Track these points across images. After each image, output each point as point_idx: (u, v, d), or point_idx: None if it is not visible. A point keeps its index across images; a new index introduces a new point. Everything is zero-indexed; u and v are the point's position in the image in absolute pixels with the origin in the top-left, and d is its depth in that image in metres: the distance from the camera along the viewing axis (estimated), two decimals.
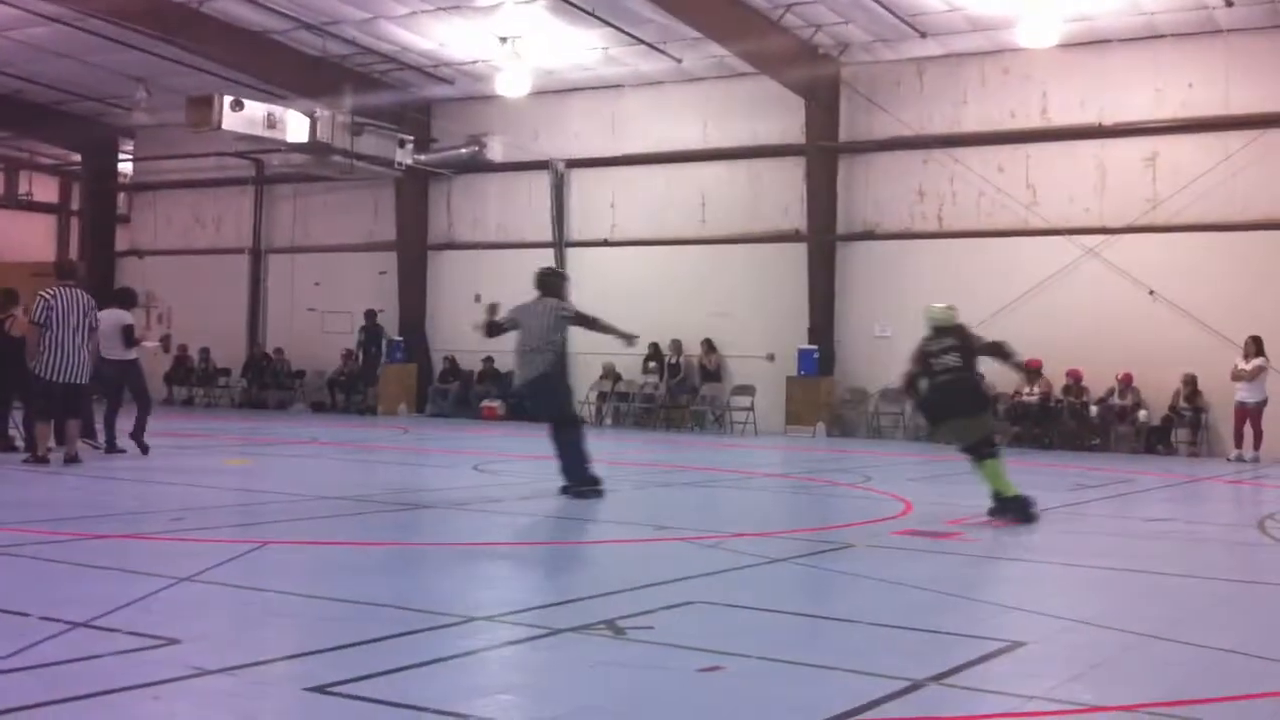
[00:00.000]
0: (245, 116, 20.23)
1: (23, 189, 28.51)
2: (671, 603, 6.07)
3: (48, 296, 11.99)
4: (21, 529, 7.94)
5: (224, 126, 19.97)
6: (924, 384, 10.02)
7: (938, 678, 4.76)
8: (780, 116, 21.29)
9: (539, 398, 10.77)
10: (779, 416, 21.11)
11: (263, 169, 26.22)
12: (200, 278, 26.56)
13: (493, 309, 10.82)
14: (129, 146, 27.82)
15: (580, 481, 10.44)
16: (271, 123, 20.80)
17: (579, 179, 23.38)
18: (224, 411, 24.87)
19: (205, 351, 26.23)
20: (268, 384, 25.85)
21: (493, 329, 10.77)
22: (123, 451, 13.34)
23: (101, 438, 13.64)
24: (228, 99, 19.83)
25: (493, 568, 7.58)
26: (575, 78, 22.53)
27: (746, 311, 21.64)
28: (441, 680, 4.66)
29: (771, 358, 21.43)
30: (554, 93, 22.82)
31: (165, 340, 24.70)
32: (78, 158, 27.77)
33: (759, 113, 21.55)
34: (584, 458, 10.51)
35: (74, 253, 28.08)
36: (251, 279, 26.67)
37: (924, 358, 9.95)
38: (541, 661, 5.11)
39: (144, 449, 13.43)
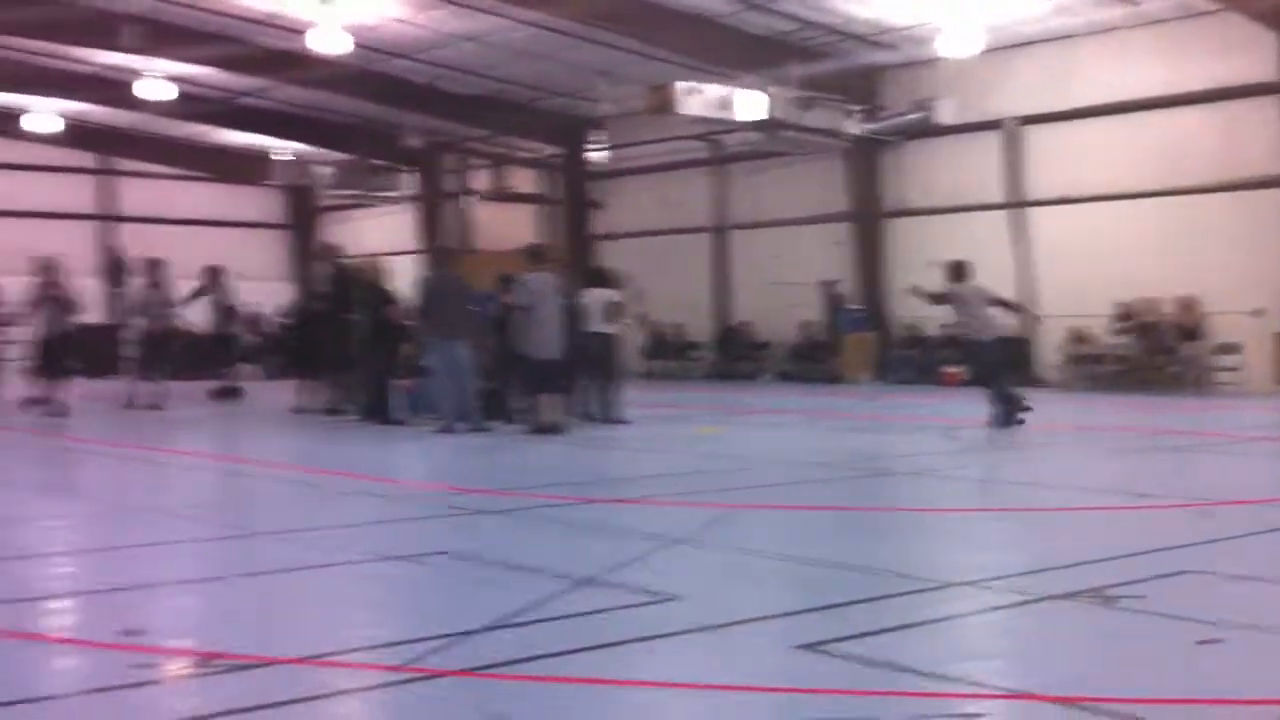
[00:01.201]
0: (700, 100, 20.93)
1: (508, 182, 30.86)
2: (1162, 572, 5.83)
3: (527, 280, 13.04)
4: (526, 493, 8.70)
5: (681, 111, 20.76)
6: None
7: None
8: (1248, 53, 19.61)
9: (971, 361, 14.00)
10: (1268, 375, 19.53)
11: (719, 149, 27.06)
12: (669, 256, 27.76)
13: (918, 289, 13.94)
14: (601, 136, 29.44)
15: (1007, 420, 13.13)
16: (725, 104, 21.41)
17: (1033, 136, 22.55)
18: (695, 382, 25.95)
19: (677, 326, 27.52)
20: (736, 355, 26.75)
21: (935, 299, 13.61)
22: (624, 423, 14.28)
23: (591, 409, 14.65)
24: (684, 84, 20.59)
25: (964, 532, 7.55)
26: (1024, 32, 21.72)
27: (1225, 264, 20.13)
28: (925, 643, 4.73)
29: (1260, 312, 19.83)
30: (1002, 49, 22.08)
31: (642, 317, 26.03)
32: (554, 150, 29.72)
33: (1226, 52, 19.93)
34: (1011, 400, 13.27)
35: (553, 239, 30.07)
36: (715, 255, 27.63)
37: None
38: (1027, 628, 5.07)
39: (618, 419, 14.34)
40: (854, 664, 4.35)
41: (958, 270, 13.77)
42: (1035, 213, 22.31)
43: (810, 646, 4.54)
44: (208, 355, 20.03)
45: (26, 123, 29.30)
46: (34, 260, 16.89)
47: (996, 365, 13.67)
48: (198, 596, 5.75)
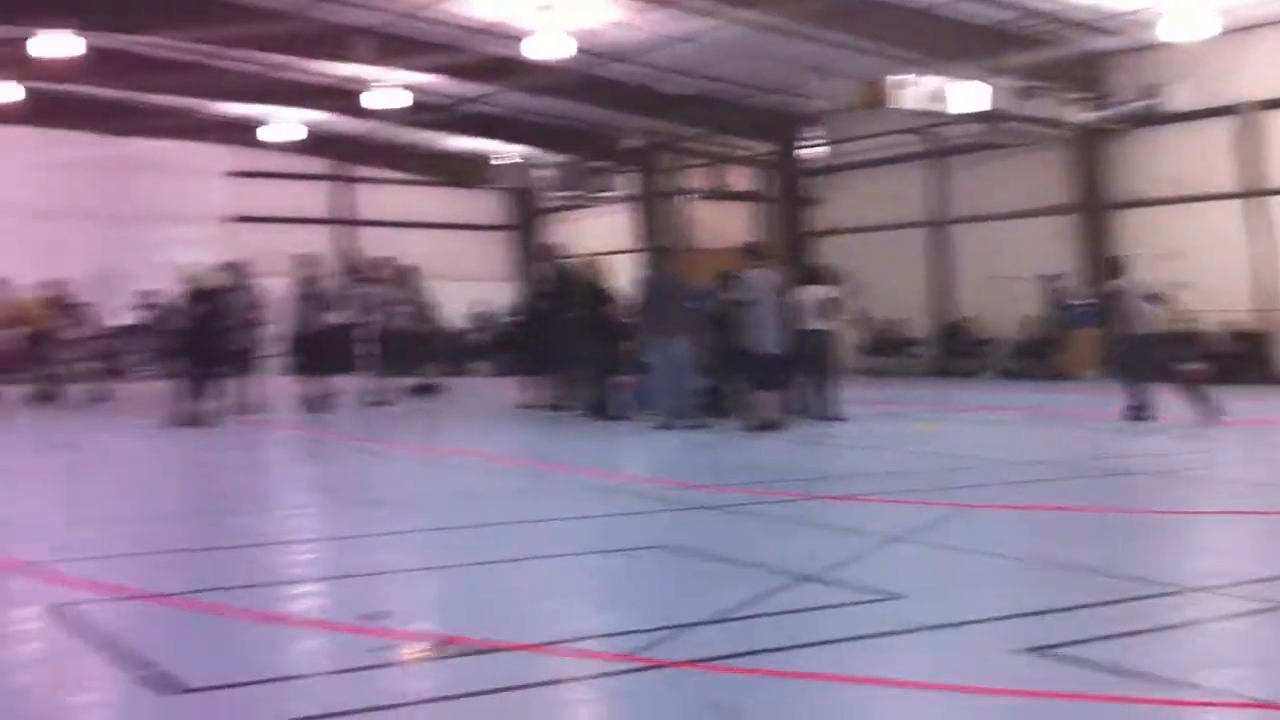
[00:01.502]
0: (915, 92, 20.59)
1: (724, 181, 30.97)
2: None
3: (745, 277, 13.09)
4: (748, 490, 8.73)
5: (895, 105, 20.46)
6: None
7: None
8: None
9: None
10: None
11: (935, 142, 26.58)
12: (887, 252, 27.39)
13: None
14: (816, 132, 29.29)
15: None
16: (939, 96, 21.00)
17: (1273, 121, 21.41)
18: (915, 379, 25.56)
19: (896, 322, 27.17)
20: (957, 351, 26.24)
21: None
22: (841, 420, 14.22)
23: (806, 406, 14.61)
24: (898, 78, 20.30)
25: (1199, 535, 7.26)
26: (1260, 14, 20.63)
27: None
28: (1161, 649, 4.58)
29: None
30: (1235, 31, 21.03)
31: (860, 314, 25.79)
32: (771, 147, 29.68)
33: None
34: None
35: (769, 237, 30.05)
36: (934, 250, 27.16)
37: None
38: (1270, 636, 4.86)
39: (835, 416, 14.26)
40: (1085, 669, 4.25)
41: (1116, 266, 14.24)
42: (1276, 202, 21.19)
43: (1039, 649, 4.45)
44: (408, 353, 20.49)
45: (269, 133, 30.89)
46: (294, 259, 17.58)
47: (1146, 361, 13.62)
48: (432, 583, 5.99)
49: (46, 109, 28.10)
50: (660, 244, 17.79)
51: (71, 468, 11.12)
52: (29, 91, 26.60)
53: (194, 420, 13.92)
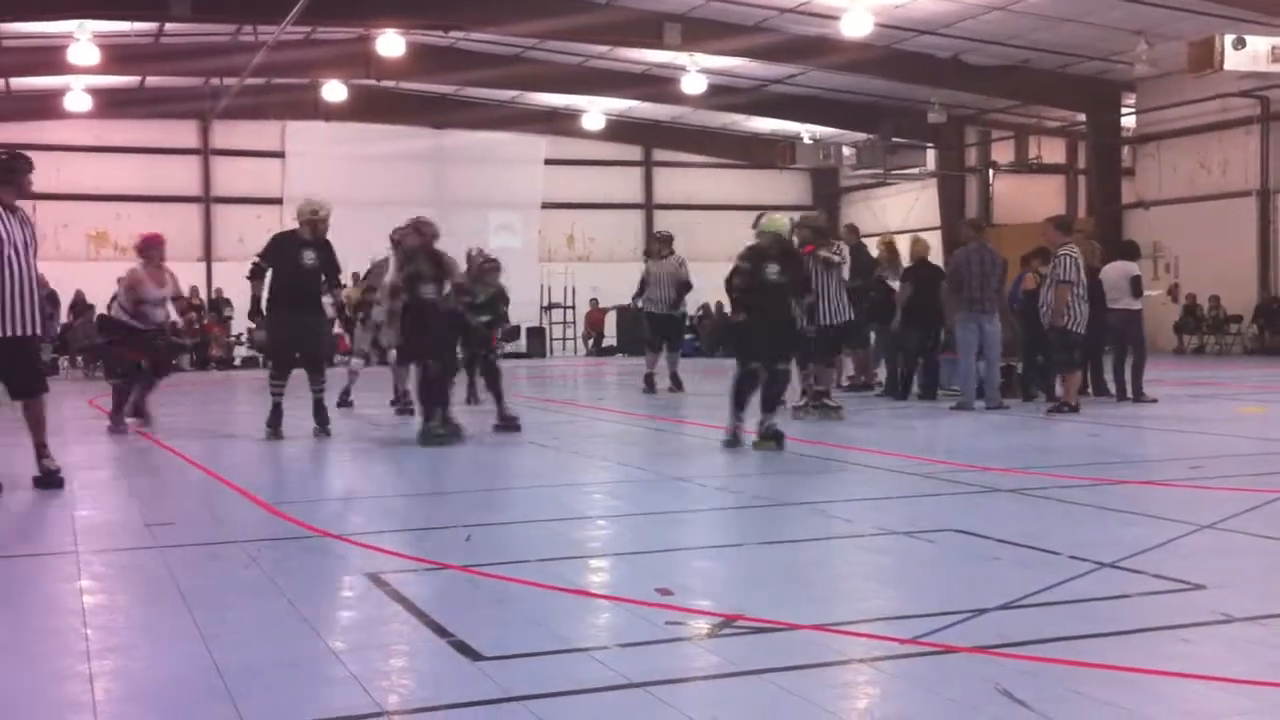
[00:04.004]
0: (1248, 54, 19.32)
1: (1032, 153, 29.97)
2: None
3: (1073, 255, 12.58)
4: (1046, 473, 8.50)
5: (1226, 67, 19.27)
6: None
7: None
8: None
9: None
10: None
11: (1268, 106, 24.87)
12: (1206, 224, 25.93)
13: None
14: (1130, 100, 27.98)
15: None
16: (1276, 55, 19.62)
17: None
18: (1234, 359, 24.09)
19: (1215, 299, 25.65)
20: None
21: None
22: (1151, 401, 13.60)
23: (1112, 388, 14.06)
24: (1229, 38, 19.10)
25: None
26: None
27: None
28: None
29: None
30: None
31: (1173, 290, 24.50)
32: (1082, 117, 28.51)
33: None
34: None
35: (1079, 210, 28.90)
36: (1260, 221, 25.46)
37: None
38: None
39: (1144, 397, 13.62)
40: None
41: None
42: None
43: None
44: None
45: (587, 121, 31.98)
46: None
47: None
48: (721, 561, 6.12)
49: (377, 105, 30.04)
50: (974, 219, 17.22)
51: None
52: (359, 89, 28.48)
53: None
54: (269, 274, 11.35)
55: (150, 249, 12.15)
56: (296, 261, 11.21)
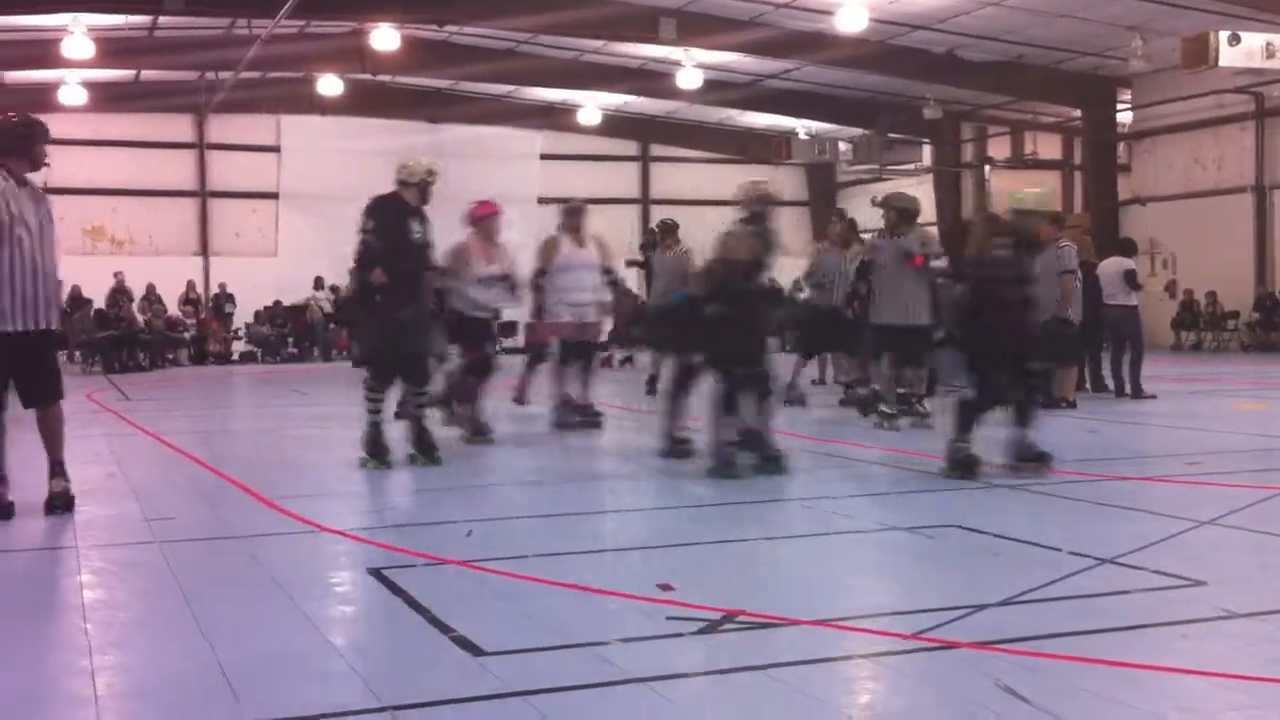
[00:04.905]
0: (1242, 50, 19.34)
1: (1027, 149, 29.98)
2: None
3: (1071, 248, 12.57)
4: (1046, 469, 8.47)
5: (1220, 63, 19.28)
6: None
7: None
8: None
9: None
10: None
11: (1262, 103, 24.89)
12: (1201, 220, 25.96)
13: None
14: (1126, 96, 27.99)
15: None
16: (1270, 52, 19.64)
17: None
18: (1231, 355, 24.14)
19: (1212, 295, 25.69)
20: (1277, 325, 24.58)
21: None
22: (1149, 397, 13.59)
23: (1111, 383, 14.08)
24: (1223, 34, 19.12)
25: None
26: None
27: None
28: None
29: None
30: None
31: (1171, 286, 24.51)
32: (1078, 113, 28.51)
33: None
34: None
35: (1074, 206, 28.92)
36: (1256, 218, 25.49)
37: None
38: None
39: (1142, 393, 13.62)
40: None
41: None
42: None
43: None
44: None
45: (581, 116, 31.94)
46: None
47: None
48: (722, 556, 6.11)
49: (372, 99, 29.98)
50: (985, 210, 17.14)
51: None
52: (354, 83, 28.43)
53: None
54: (377, 254, 8.81)
55: (484, 221, 10.55)
56: (407, 236, 8.93)
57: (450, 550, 5.97)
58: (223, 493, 8.16)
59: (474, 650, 4.27)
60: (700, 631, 4.51)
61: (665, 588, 5.10)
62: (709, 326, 8.38)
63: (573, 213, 11.52)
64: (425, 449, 9.02)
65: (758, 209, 9.01)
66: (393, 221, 8.87)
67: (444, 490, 8.21)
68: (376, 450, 8.86)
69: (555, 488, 8.41)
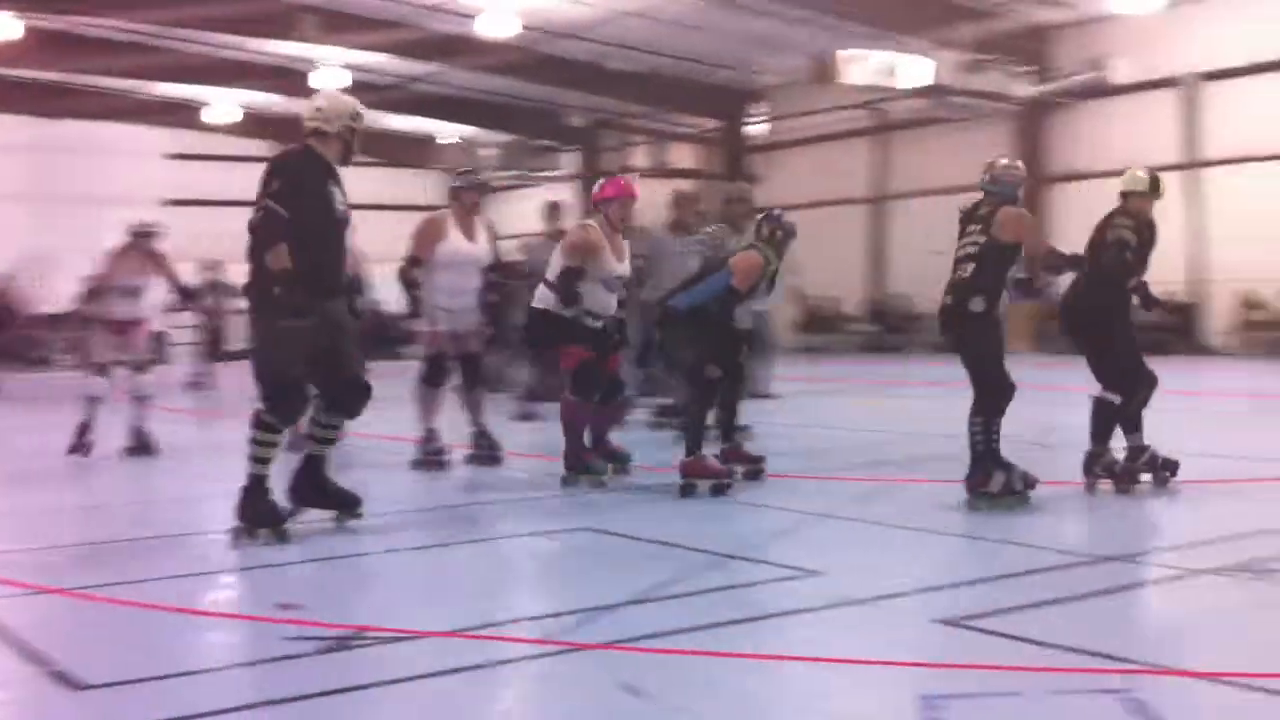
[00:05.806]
0: (865, 67, 20.61)
1: (670, 158, 30.95)
2: None
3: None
4: (669, 469, 8.43)
5: (845, 79, 20.47)
6: None
7: None
8: None
9: None
10: None
11: (884, 117, 26.64)
12: (825, 228, 27.45)
13: None
14: (759, 109, 29.29)
15: None
16: (890, 70, 21.02)
17: (1212, 92, 21.67)
18: (849, 356, 25.66)
19: (832, 299, 27.27)
20: (890, 327, 26.38)
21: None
22: (773, 397, 14.12)
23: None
24: (846, 52, 20.33)
25: (1125, 506, 7.27)
26: None
27: None
28: (1079, 619, 4.63)
29: None
30: (1180, 4, 21.21)
31: (795, 290, 25.59)
32: (715, 124, 29.63)
33: None
34: None
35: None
36: (872, 226, 27.27)
37: None
38: (1179, 603, 4.97)
39: (769, 395, 14.17)
40: (995, 639, 4.29)
41: None
42: (1211, 174, 21.47)
43: (952, 622, 4.49)
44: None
45: (210, 114, 30.53)
46: None
47: None
48: (351, 572, 5.91)
49: None
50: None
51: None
52: None
53: None
54: (282, 226, 6.17)
55: (615, 204, 8.17)
56: (329, 206, 6.46)
57: (59, 577, 5.52)
58: None
59: (74, 685, 3.95)
60: (321, 651, 4.33)
61: (287, 607, 4.88)
62: None
63: (469, 190, 8.99)
64: (345, 503, 6.64)
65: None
66: (310, 185, 6.32)
67: (78, 510, 7.61)
68: (269, 514, 6.30)
69: (173, 507, 7.97)
